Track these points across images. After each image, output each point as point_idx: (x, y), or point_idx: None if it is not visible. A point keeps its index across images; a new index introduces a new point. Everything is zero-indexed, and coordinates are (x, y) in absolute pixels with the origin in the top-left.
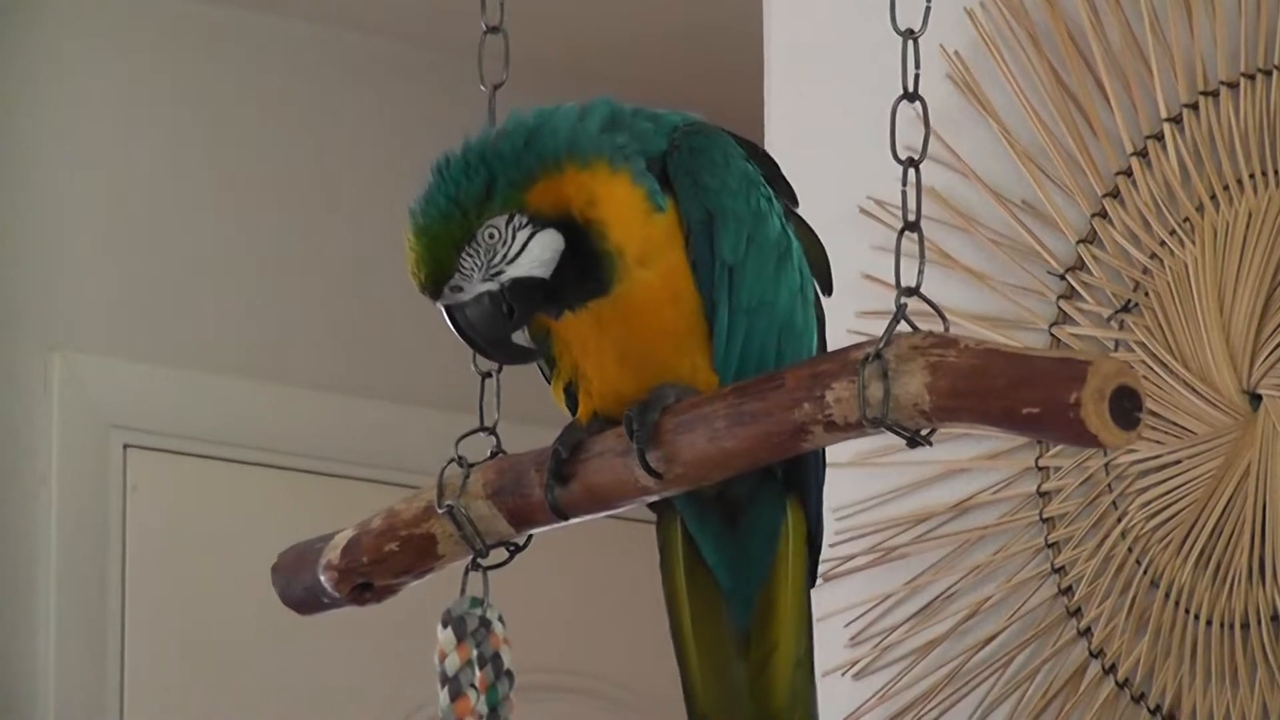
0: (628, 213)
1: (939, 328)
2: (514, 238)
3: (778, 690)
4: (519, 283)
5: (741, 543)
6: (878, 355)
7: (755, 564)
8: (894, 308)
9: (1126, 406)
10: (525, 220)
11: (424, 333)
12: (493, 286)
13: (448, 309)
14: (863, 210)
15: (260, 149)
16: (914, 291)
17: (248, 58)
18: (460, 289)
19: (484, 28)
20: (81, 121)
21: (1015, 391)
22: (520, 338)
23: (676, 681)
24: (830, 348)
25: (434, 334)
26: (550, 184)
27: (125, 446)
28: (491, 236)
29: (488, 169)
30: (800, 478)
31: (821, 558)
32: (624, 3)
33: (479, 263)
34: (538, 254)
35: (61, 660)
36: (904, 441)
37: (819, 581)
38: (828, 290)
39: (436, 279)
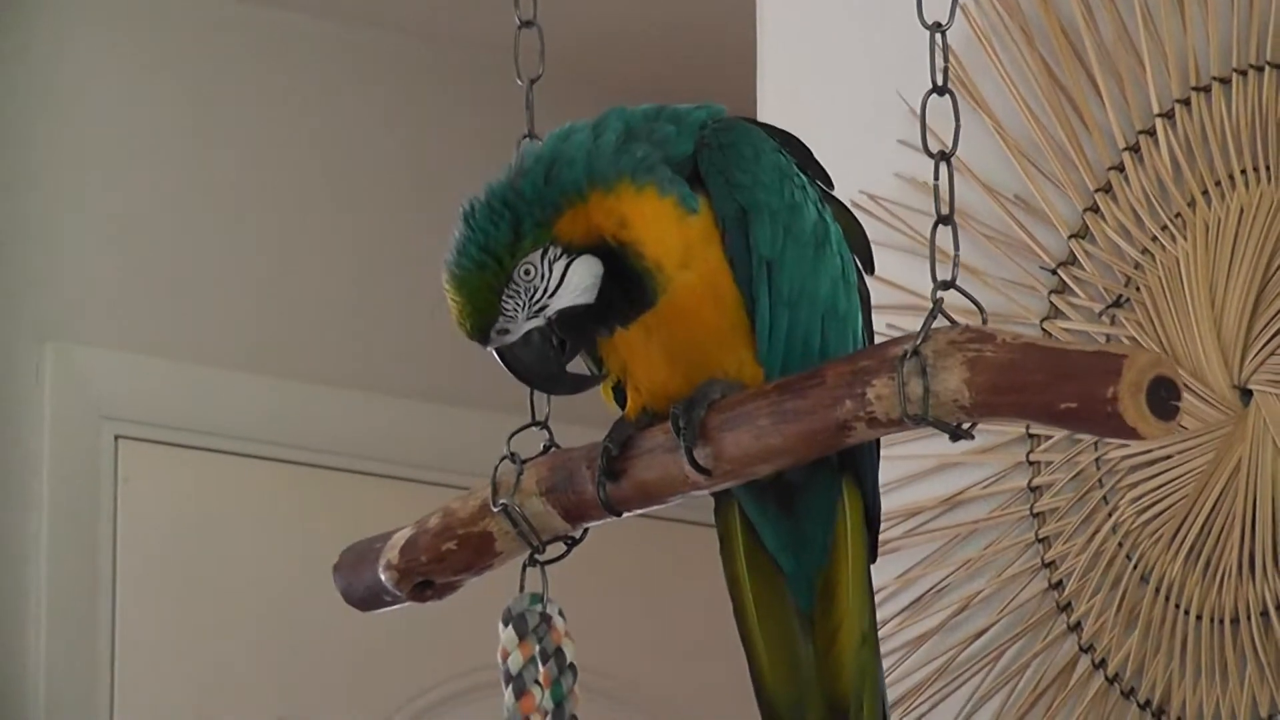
0: (660, 226)
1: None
2: (551, 270)
3: (845, 669)
4: (565, 314)
5: (800, 525)
6: (915, 352)
7: (814, 546)
8: (929, 302)
9: (1163, 396)
10: (560, 252)
11: (419, 325)
12: (539, 322)
13: (499, 352)
14: (855, 204)
15: (256, 141)
16: (950, 285)
17: (246, 50)
18: (507, 331)
19: (518, 21)
20: (76, 112)
21: (1053, 386)
22: (574, 364)
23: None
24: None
25: (429, 326)
26: (577, 214)
27: (117, 438)
28: (528, 274)
29: (512, 212)
30: (854, 457)
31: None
32: None
33: (521, 302)
34: (578, 282)
35: (52, 652)
36: (946, 435)
37: None
38: (870, 269)
39: (482, 327)
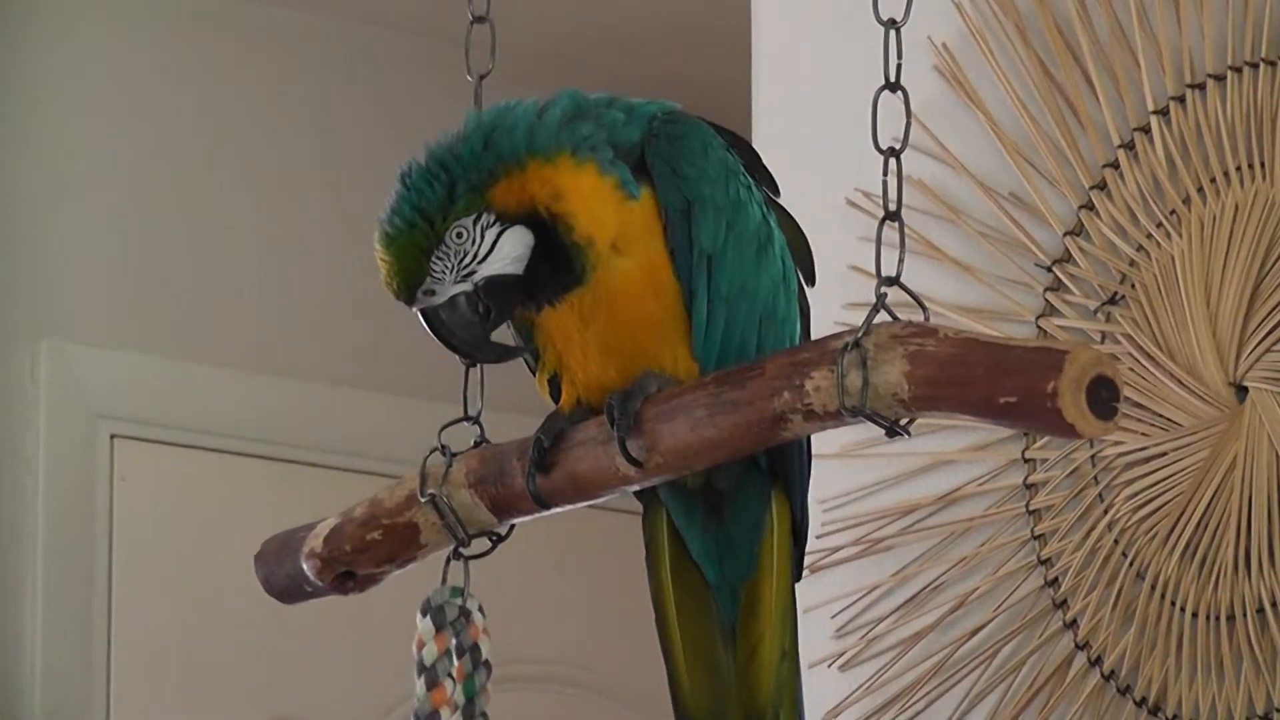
0: (596, 202)
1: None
2: (483, 237)
3: (764, 683)
4: (492, 281)
5: (727, 535)
6: (856, 344)
7: (741, 556)
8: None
9: (1104, 396)
10: (493, 219)
11: (412, 324)
12: (466, 287)
13: (424, 313)
14: (849, 202)
15: (249, 139)
16: (894, 281)
17: (239, 47)
18: (433, 292)
19: (470, 17)
20: (69, 110)
21: (993, 380)
22: (503, 335)
23: (657, 672)
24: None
25: (421, 325)
26: (513, 181)
27: (113, 436)
28: (460, 237)
29: (448, 173)
30: (785, 469)
31: (809, 549)
32: None
33: (450, 265)
34: (509, 251)
35: (48, 650)
36: (883, 431)
37: (806, 573)
38: (811, 280)
39: (409, 286)
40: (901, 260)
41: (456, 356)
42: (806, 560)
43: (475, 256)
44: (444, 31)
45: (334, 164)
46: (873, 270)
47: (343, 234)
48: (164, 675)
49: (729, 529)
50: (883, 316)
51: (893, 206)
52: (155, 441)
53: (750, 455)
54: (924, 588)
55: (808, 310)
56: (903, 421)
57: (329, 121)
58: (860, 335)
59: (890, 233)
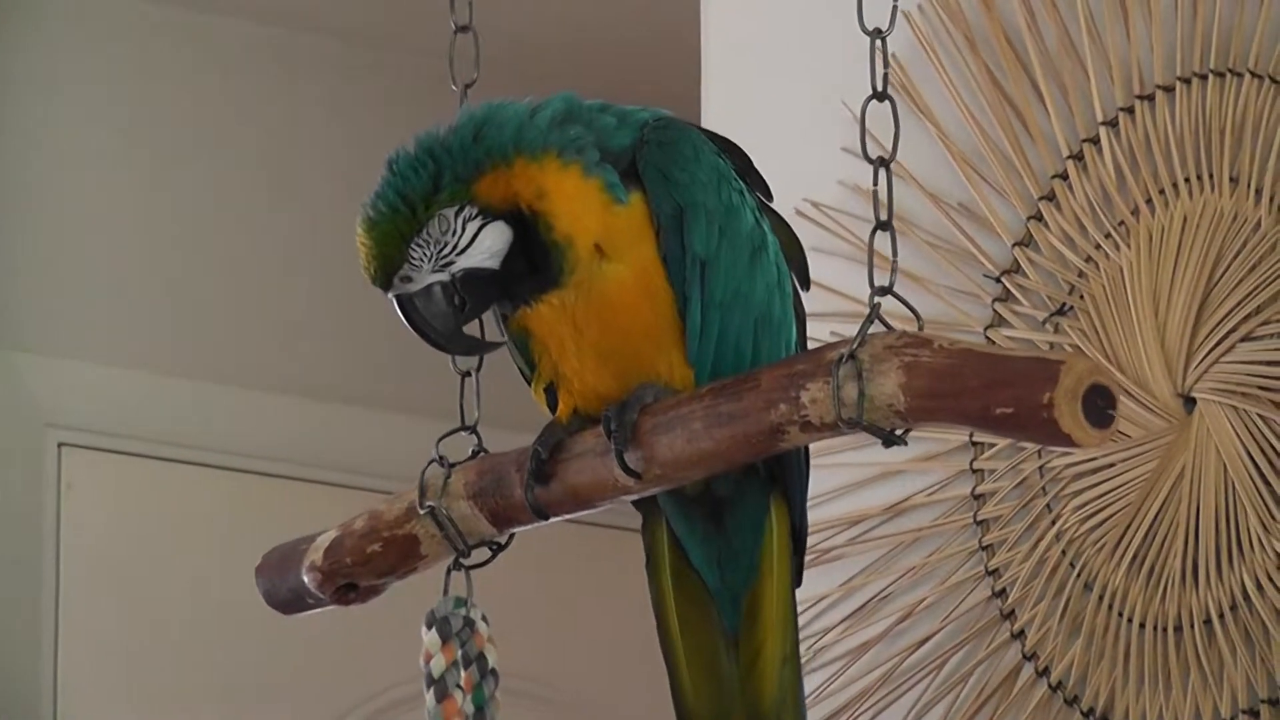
0: (578, 203)
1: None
2: (464, 229)
3: (767, 688)
4: (470, 274)
5: (727, 542)
6: (852, 356)
7: (741, 563)
8: (866, 308)
9: (1099, 405)
10: (475, 212)
11: (367, 332)
12: (443, 277)
13: (398, 300)
14: (799, 212)
15: (199, 149)
16: (888, 291)
17: (192, 59)
18: (410, 279)
19: (454, 27)
20: (18, 122)
21: (989, 392)
22: (480, 332)
23: (648, 689)
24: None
25: (376, 333)
26: (499, 176)
27: (60, 445)
28: (441, 227)
29: (436, 163)
30: (784, 475)
31: None
32: (561, 5)
33: (429, 253)
34: (488, 245)
35: None
36: (880, 441)
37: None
38: (806, 285)
39: (386, 271)
40: (894, 270)
41: (452, 357)
42: None
43: (455, 248)
44: (394, 41)
45: (292, 175)
46: (823, 280)
47: (294, 242)
48: (111, 684)
49: (729, 536)
50: (877, 327)
51: (884, 216)
52: (103, 450)
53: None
54: (872, 598)
55: (803, 314)
56: (899, 432)
57: (290, 132)
58: (855, 346)
59: (881, 243)
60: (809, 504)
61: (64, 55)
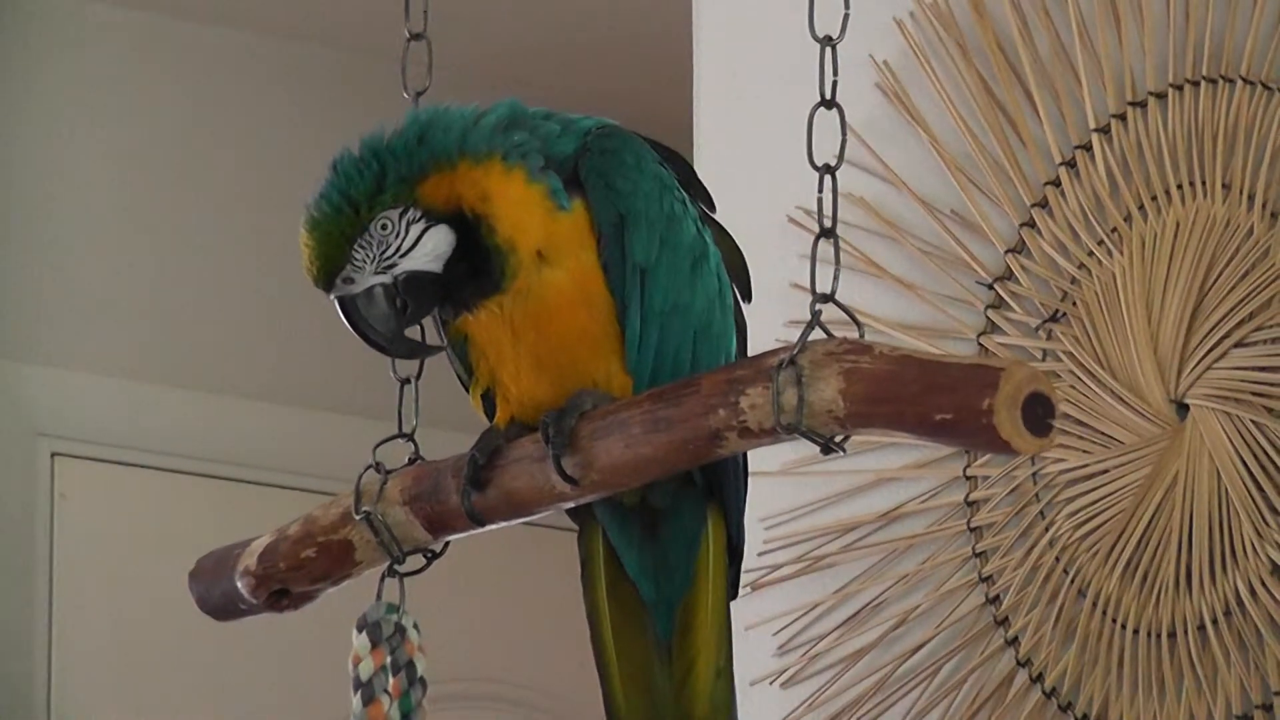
0: (521, 209)
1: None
2: (407, 231)
3: (699, 701)
4: (412, 277)
5: (663, 552)
6: (792, 361)
7: (676, 574)
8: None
9: (1040, 413)
10: (419, 214)
11: (352, 341)
12: (385, 279)
13: (340, 301)
14: (790, 219)
15: (203, 159)
16: (829, 298)
17: (173, 67)
18: (352, 280)
19: (407, 35)
20: (20, 131)
21: (928, 397)
22: (421, 336)
23: (595, 688)
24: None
25: (360, 342)
26: (442, 179)
27: (53, 455)
28: (384, 228)
29: (380, 163)
30: (721, 486)
31: (750, 566)
32: (554, 11)
33: (371, 254)
34: (431, 248)
35: None
36: (819, 449)
37: (747, 590)
38: (747, 297)
39: (328, 271)
40: (837, 277)
41: (392, 362)
42: (748, 578)
43: (397, 250)
44: (375, 48)
45: (275, 183)
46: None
47: (283, 252)
48: (105, 693)
49: (665, 546)
50: (819, 334)
51: (828, 223)
52: (96, 460)
53: (686, 473)
54: (865, 605)
55: (744, 326)
56: (838, 439)
57: (271, 141)
58: (795, 352)
59: (827, 249)
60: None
61: (56, 66)
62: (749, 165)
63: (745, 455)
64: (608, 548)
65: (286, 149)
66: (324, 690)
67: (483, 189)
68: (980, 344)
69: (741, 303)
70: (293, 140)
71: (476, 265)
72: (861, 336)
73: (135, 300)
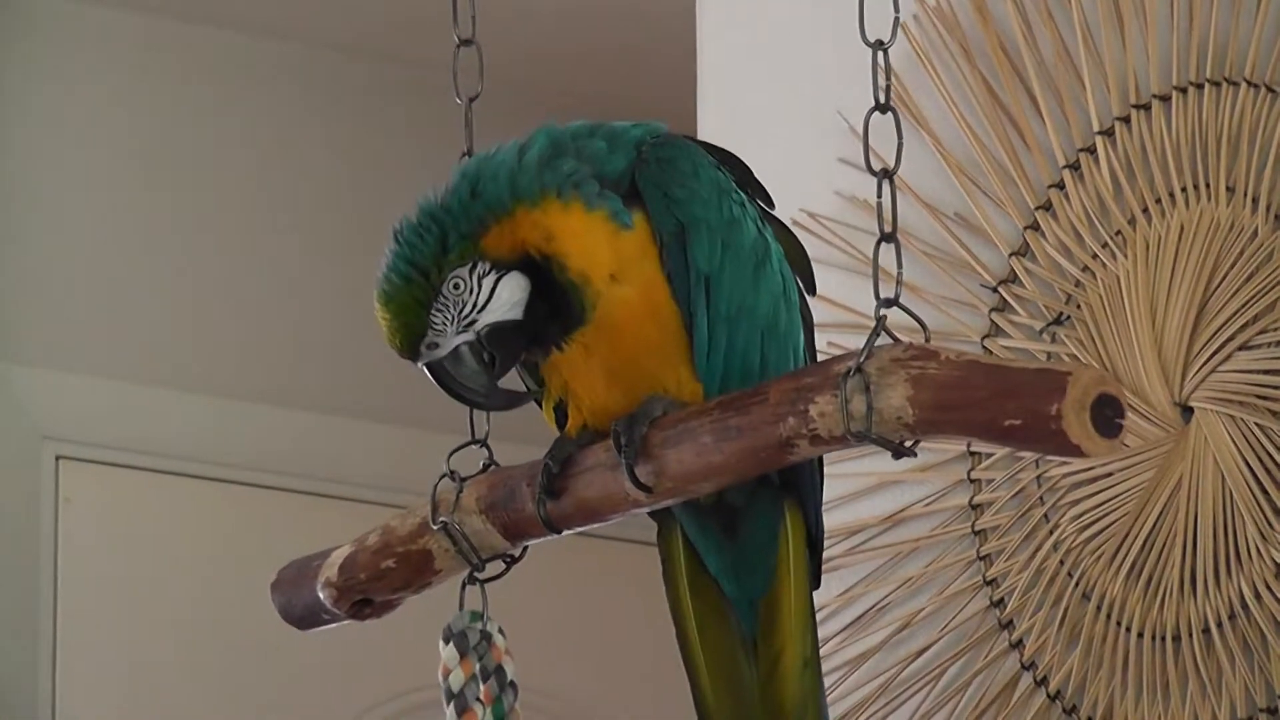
0: (587, 239)
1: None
2: (480, 285)
3: (788, 693)
4: (495, 329)
5: (742, 549)
6: (859, 369)
7: (757, 570)
8: (873, 320)
9: (1108, 414)
10: (489, 267)
11: (360, 345)
12: (469, 337)
13: (429, 368)
14: (795, 223)
15: (196, 162)
16: (893, 303)
17: (187, 72)
18: (436, 345)
19: (456, 40)
20: (13, 135)
21: (997, 403)
22: (510, 379)
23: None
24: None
25: (370, 346)
26: (503, 229)
27: (58, 458)
28: (457, 288)
29: (439, 225)
30: (797, 481)
31: None
32: (558, 16)
33: (450, 316)
34: (507, 297)
35: None
36: (889, 453)
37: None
38: (811, 290)
39: (412, 341)
40: (900, 281)
41: (464, 405)
42: None
43: (475, 305)
44: (391, 55)
45: (281, 186)
46: (821, 290)
47: (291, 253)
48: (111, 697)
49: (744, 544)
50: (883, 339)
51: (888, 228)
52: (101, 463)
53: None
54: (870, 607)
55: (811, 319)
56: (908, 444)
57: (277, 144)
58: (862, 359)
59: (886, 255)
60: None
61: (61, 69)
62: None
63: None
64: (688, 546)
65: (289, 151)
66: (331, 693)
67: (545, 229)
68: (984, 347)
69: (805, 296)
70: (296, 143)
71: (555, 303)
72: (927, 341)
73: (140, 304)
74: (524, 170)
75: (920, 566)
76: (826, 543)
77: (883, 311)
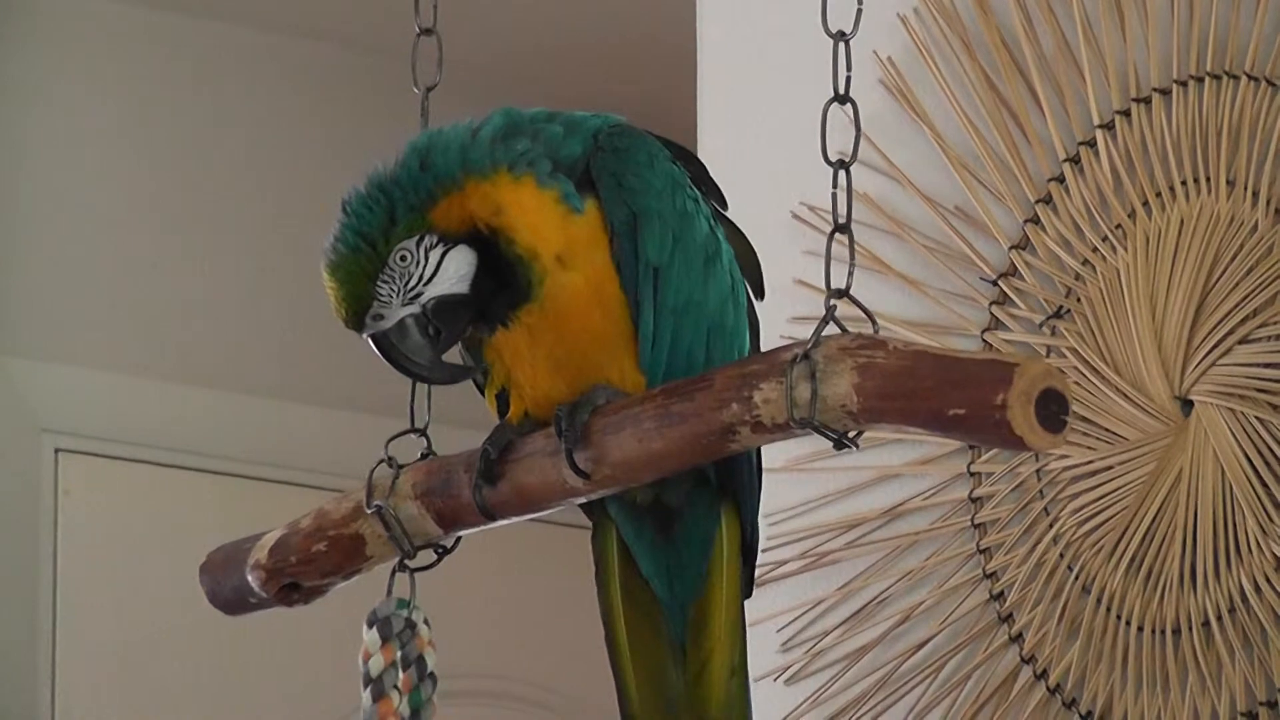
0: (537, 216)
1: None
2: (427, 258)
3: (714, 699)
4: (441, 302)
5: (676, 551)
6: (806, 356)
7: (690, 573)
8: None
9: (1054, 410)
10: (436, 240)
11: (355, 339)
12: (414, 309)
13: (373, 339)
14: (795, 215)
15: (205, 154)
16: (844, 294)
17: (179, 63)
18: (381, 317)
19: (417, 30)
20: (12, 129)
21: (942, 393)
22: (453, 355)
23: (601, 685)
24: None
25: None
26: (452, 201)
27: (57, 451)
28: (404, 259)
29: (387, 197)
30: (735, 485)
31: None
32: (558, 8)
33: (396, 288)
34: (454, 271)
35: None
36: (830, 444)
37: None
38: (760, 294)
39: (357, 311)
40: (851, 273)
41: (408, 378)
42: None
43: (421, 278)
44: (377, 45)
45: (278, 178)
46: (819, 284)
47: (287, 248)
48: (109, 689)
49: (679, 546)
50: (832, 329)
51: (842, 219)
52: (100, 456)
53: (700, 471)
54: (870, 601)
55: (757, 324)
56: (851, 434)
57: (277, 138)
58: (809, 347)
59: (839, 246)
60: (762, 515)
61: (58, 61)
62: (753, 162)
63: (759, 454)
64: (622, 547)
65: (287, 144)
66: (329, 685)
67: (494, 202)
68: (984, 340)
69: (754, 300)
70: (294, 136)
71: (502, 279)
72: (876, 332)
73: (139, 296)
74: (477, 145)
75: (920, 560)
76: (825, 537)
77: (833, 302)
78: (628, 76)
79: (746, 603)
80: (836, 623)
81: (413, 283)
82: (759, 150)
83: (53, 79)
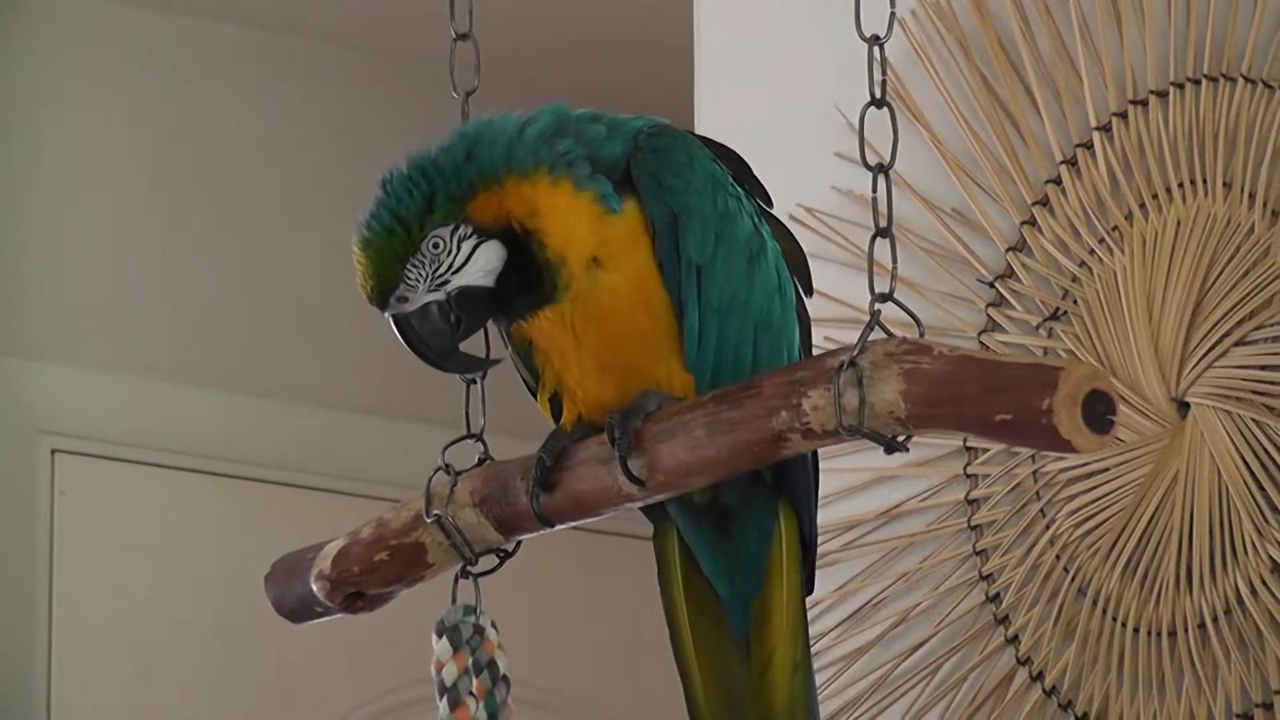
0: (571, 219)
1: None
2: (459, 248)
3: (778, 695)
4: (465, 292)
5: (736, 550)
6: (852, 363)
7: (750, 570)
8: (865, 314)
9: (1100, 410)
10: (470, 231)
11: (358, 338)
12: (439, 296)
13: (395, 320)
14: (793, 218)
15: (193, 155)
16: (888, 298)
17: (187, 65)
18: (406, 299)
19: (453, 35)
20: (23, 128)
21: (988, 398)
22: (471, 347)
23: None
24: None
25: (368, 338)
26: (491, 196)
27: (54, 451)
28: (436, 247)
29: (429, 183)
30: (790, 483)
31: None
32: (557, 8)
33: (424, 273)
34: (483, 264)
35: None
36: (881, 448)
37: None
38: (809, 291)
39: (382, 291)
40: (895, 276)
41: (425, 364)
42: None
43: (450, 267)
44: (390, 49)
45: (278, 179)
46: (818, 284)
47: (288, 248)
48: (106, 690)
49: (737, 544)
50: (877, 333)
51: (883, 222)
52: (97, 457)
53: (755, 471)
54: (866, 603)
55: (808, 320)
56: (900, 439)
57: (281, 138)
58: (856, 353)
59: (881, 250)
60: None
61: (60, 62)
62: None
63: (815, 451)
64: (683, 547)
65: (288, 145)
66: (329, 686)
67: (531, 204)
68: (981, 342)
69: (804, 297)
70: (295, 137)
71: (528, 278)
72: (921, 336)
73: (136, 297)
74: (523, 142)
75: (916, 562)
76: (821, 538)
77: (877, 306)
78: (625, 76)
79: None
80: (833, 624)
81: (441, 270)
82: (755, 152)
83: (53, 79)
